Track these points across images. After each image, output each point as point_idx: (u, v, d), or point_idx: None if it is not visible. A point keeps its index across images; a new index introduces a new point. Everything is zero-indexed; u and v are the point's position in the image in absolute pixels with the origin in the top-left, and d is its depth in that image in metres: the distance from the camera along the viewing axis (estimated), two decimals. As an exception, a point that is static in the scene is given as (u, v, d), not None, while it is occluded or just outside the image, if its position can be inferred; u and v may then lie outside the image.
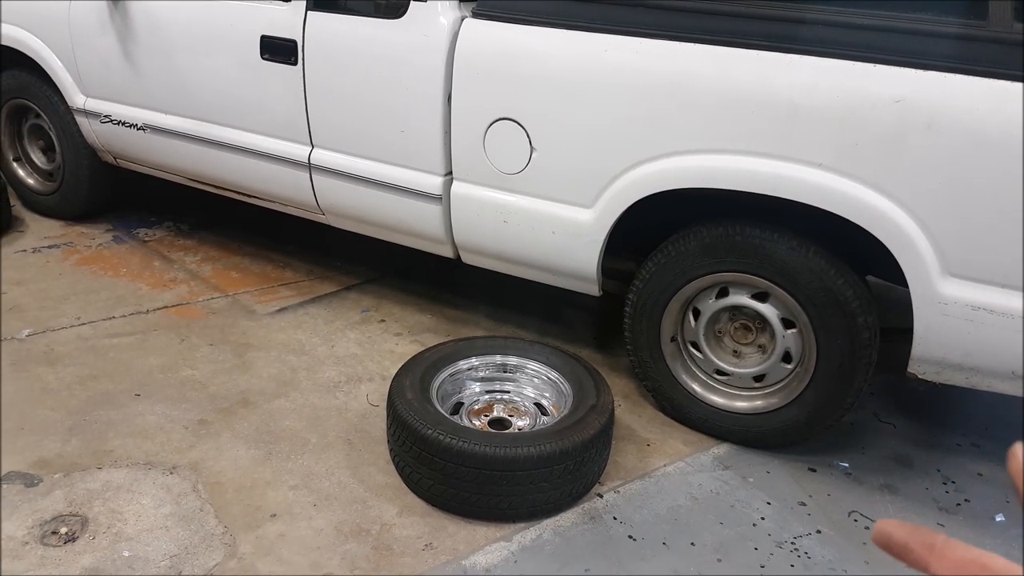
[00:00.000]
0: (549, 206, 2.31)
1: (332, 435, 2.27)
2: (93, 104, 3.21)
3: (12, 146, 3.75)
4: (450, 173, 2.45)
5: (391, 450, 2.12)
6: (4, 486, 1.98)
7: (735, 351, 2.31)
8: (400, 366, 2.23)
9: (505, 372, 2.33)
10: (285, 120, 2.69)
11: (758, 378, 2.28)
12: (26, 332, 2.70)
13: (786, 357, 2.21)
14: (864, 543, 1.97)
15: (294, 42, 2.56)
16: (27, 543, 1.81)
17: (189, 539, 1.85)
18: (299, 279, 3.23)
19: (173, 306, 2.96)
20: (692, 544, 1.95)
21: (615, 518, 2.02)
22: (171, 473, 2.07)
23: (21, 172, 3.74)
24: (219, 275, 3.24)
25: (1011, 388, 1.93)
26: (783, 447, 2.30)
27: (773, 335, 2.21)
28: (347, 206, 2.72)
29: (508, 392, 2.32)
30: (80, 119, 3.31)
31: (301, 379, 2.54)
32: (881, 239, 1.90)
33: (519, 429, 2.19)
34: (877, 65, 1.82)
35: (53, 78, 3.29)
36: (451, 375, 2.26)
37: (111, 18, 2.98)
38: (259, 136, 2.79)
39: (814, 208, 1.95)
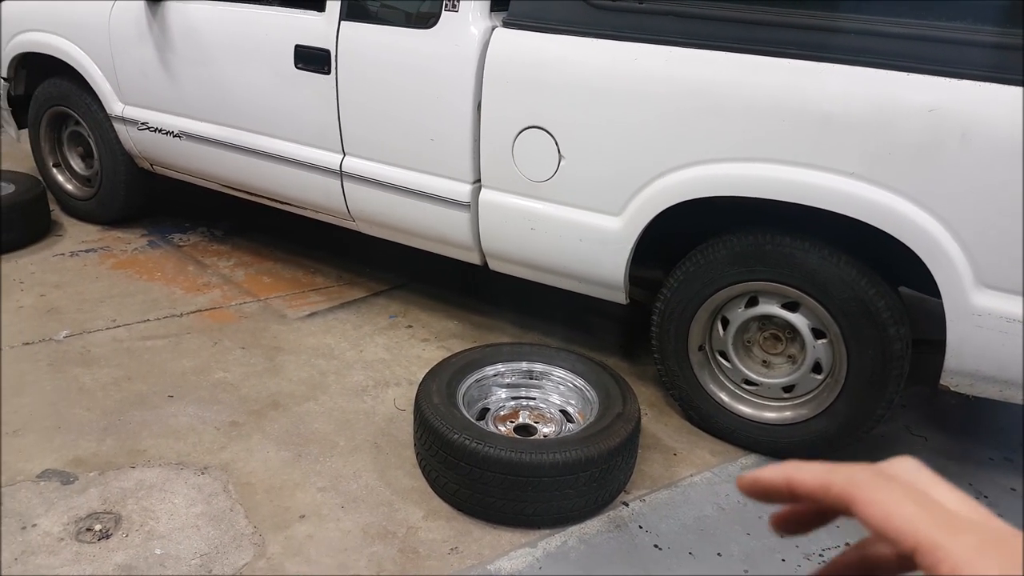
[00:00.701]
0: (577, 214, 2.32)
1: (360, 438, 2.29)
2: (131, 111, 3.29)
3: (52, 152, 3.85)
4: (479, 181, 2.47)
5: (417, 454, 2.13)
6: (41, 483, 2.02)
7: (764, 361, 2.29)
8: (427, 371, 2.24)
9: (531, 379, 2.34)
10: (318, 128, 2.74)
11: (787, 388, 2.26)
12: (64, 334, 2.77)
13: (816, 368, 2.19)
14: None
15: (327, 52, 2.60)
16: (62, 539, 1.85)
17: (219, 538, 1.88)
18: (329, 284, 3.27)
19: (206, 310, 3.01)
20: (719, 554, 1.94)
21: (641, 527, 2.01)
22: (202, 473, 2.11)
23: (60, 178, 3.84)
24: (251, 280, 3.29)
25: (1047, 402, 1.90)
26: (812, 459, 2.26)
27: (803, 345, 2.19)
28: (377, 213, 2.75)
29: (534, 399, 2.33)
30: (118, 126, 3.39)
31: (330, 383, 2.57)
32: (914, 249, 1.88)
33: (545, 436, 2.19)
34: (910, 74, 1.81)
35: (92, 86, 3.38)
36: (477, 381, 2.27)
37: (149, 28, 3.06)
38: (292, 144, 2.83)
39: (845, 218, 1.93)
